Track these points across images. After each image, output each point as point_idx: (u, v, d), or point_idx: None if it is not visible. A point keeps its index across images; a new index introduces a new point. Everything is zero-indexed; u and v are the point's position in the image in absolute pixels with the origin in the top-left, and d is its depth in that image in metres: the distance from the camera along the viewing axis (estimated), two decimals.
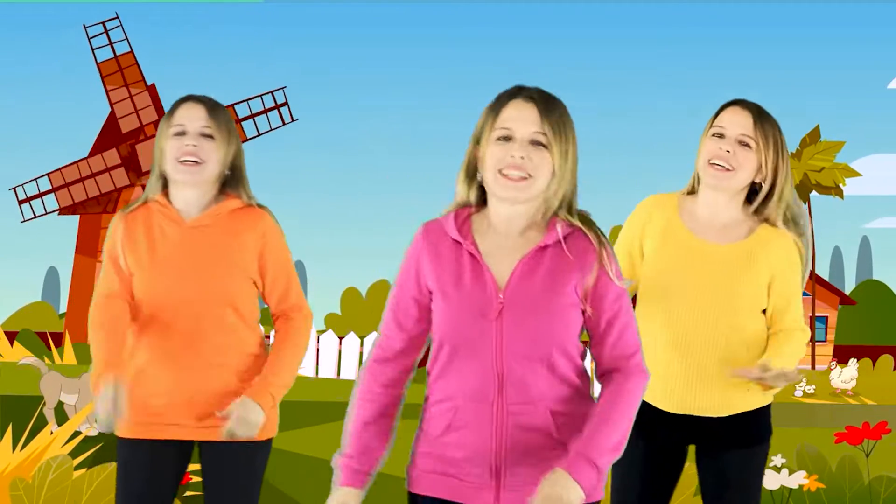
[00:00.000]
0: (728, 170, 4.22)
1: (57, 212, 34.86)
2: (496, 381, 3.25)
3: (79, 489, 7.55)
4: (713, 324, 4.23)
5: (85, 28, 34.90)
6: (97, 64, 35.08)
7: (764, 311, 4.30)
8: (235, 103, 34.54)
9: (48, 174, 34.63)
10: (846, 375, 25.58)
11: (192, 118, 4.28)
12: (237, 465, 4.28)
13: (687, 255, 4.27)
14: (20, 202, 34.62)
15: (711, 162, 4.23)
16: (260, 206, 4.36)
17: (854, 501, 8.42)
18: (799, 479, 7.85)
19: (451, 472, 3.29)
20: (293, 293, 4.38)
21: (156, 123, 34.75)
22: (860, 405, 22.76)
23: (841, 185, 42.34)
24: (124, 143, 34.82)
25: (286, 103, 35.18)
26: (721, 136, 4.24)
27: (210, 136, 4.27)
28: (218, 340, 4.25)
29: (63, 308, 41.26)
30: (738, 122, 4.24)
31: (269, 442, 4.34)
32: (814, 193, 42.61)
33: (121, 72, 35.02)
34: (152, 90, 35.34)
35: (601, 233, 3.31)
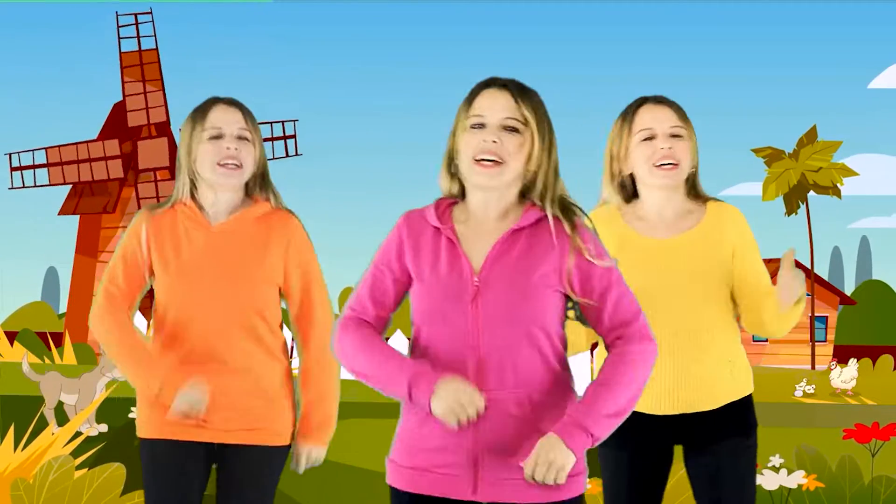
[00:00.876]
0: (676, 165, 4.25)
1: (46, 186, 34.74)
2: (474, 366, 3.25)
3: (79, 490, 7.57)
4: (689, 317, 4.25)
5: (117, 15, 34.88)
6: (120, 53, 35.03)
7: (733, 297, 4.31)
8: None
9: (46, 148, 34.58)
10: (846, 375, 25.62)
11: (229, 121, 4.25)
12: (255, 467, 4.26)
13: (648, 258, 4.29)
14: (12, 169, 34.57)
15: (658, 164, 4.25)
16: (285, 209, 4.32)
17: (854, 501, 8.41)
18: (798, 479, 7.86)
19: (429, 465, 3.28)
20: (315, 297, 4.32)
21: (159, 125, 34.72)
22: (860, 405, 22.79)
23: (839, 184, 42.40)
24: (127, 137, 34.77)
25: (294, 136, 34.96)
26: (652, 136, 4.26)
27: (246, 139, 4.25)
28: (242, 346, 4.21)
29: (63, 308, 41.32)
30: (662, 118, 4.26)
31: (287, 448, 4.32)
32: (811, 193, 42.66)
33: (141, 66, 34.95)
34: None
35: (578, 217, 3.31)
